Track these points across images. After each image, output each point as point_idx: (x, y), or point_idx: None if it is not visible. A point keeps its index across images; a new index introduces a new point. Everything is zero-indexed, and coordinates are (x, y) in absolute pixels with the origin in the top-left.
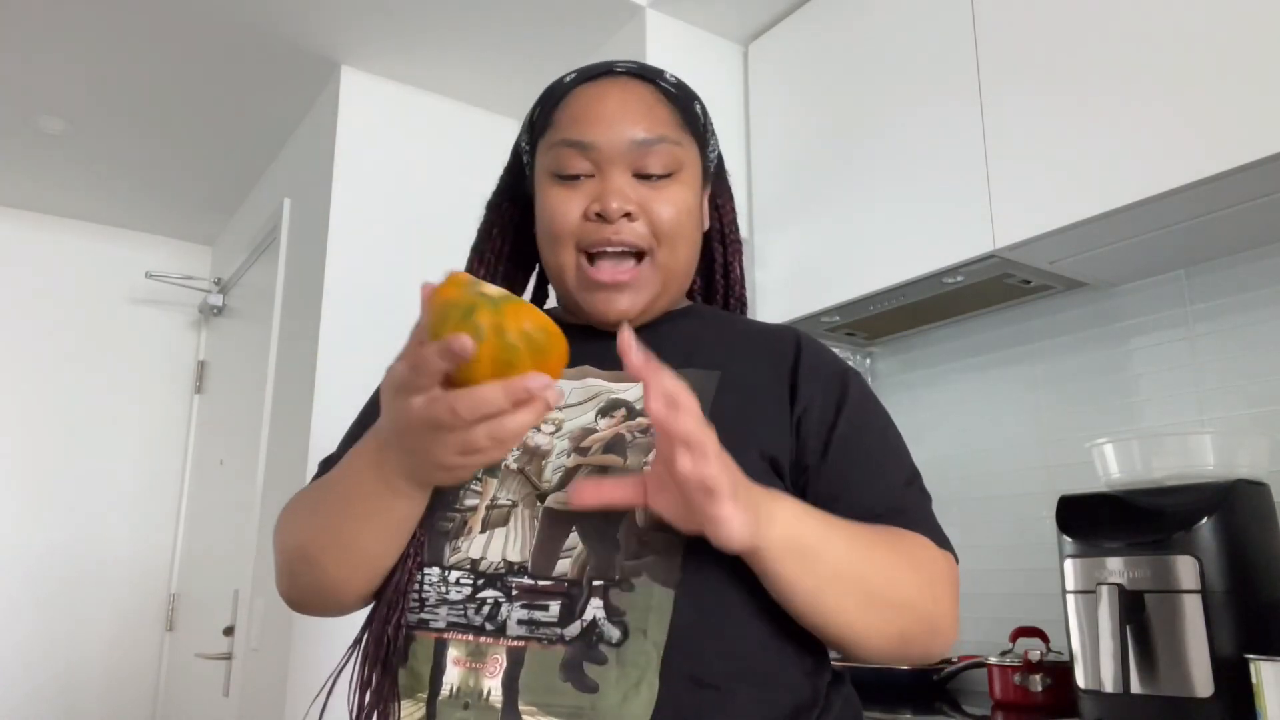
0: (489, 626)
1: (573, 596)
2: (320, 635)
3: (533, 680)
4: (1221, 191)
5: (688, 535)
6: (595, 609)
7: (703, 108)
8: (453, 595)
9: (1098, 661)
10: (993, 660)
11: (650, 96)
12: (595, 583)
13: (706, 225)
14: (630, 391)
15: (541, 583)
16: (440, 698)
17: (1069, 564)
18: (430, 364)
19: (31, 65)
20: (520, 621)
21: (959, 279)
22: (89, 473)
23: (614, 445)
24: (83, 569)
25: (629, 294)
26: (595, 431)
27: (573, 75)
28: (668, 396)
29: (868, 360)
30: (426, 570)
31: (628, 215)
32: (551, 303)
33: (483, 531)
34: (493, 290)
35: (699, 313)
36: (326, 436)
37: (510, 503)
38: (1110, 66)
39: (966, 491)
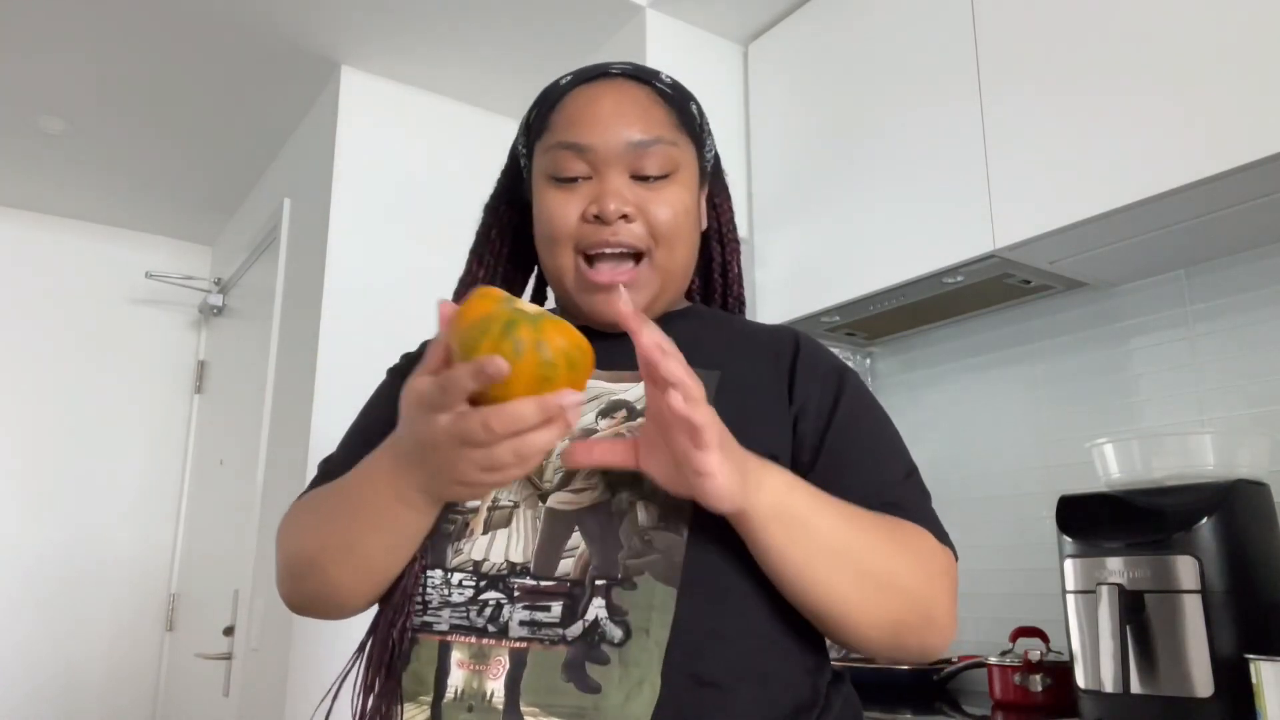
0: (491, 628)
1: (575, 596)
2: (320, 635)
3: (535, 681)
4: (1221, 191)
5: (689, 534)
6: (598, 608)
7: (699, 108)
8: (455, 598)
9: (1098, 661)
10: (993, 660)
11: (646, 98)
12: (598, 582)
13: (704, 225)
14: (630, 392)
15: (544, 583)
16: (445, 700)
17: (1069, 564)
18: (460, 384)
19: (31, 65)
20: (522, 623)
21: (959, 279)
22: (89, 473)
23: None
24: (83, 569)
25: (631, 294)
26: (596, 432)
27: (568, 77)
28: (657, 344)
29: (868, 360)
30: (429, 573)
31: (625, 217)
32: (550, 304)
33: (485, 533)
34: (529, 307)
35: (698, 313)
36: (326, 436)
37: (512, 504)
38: (1110, 67)
39: (966, 491)
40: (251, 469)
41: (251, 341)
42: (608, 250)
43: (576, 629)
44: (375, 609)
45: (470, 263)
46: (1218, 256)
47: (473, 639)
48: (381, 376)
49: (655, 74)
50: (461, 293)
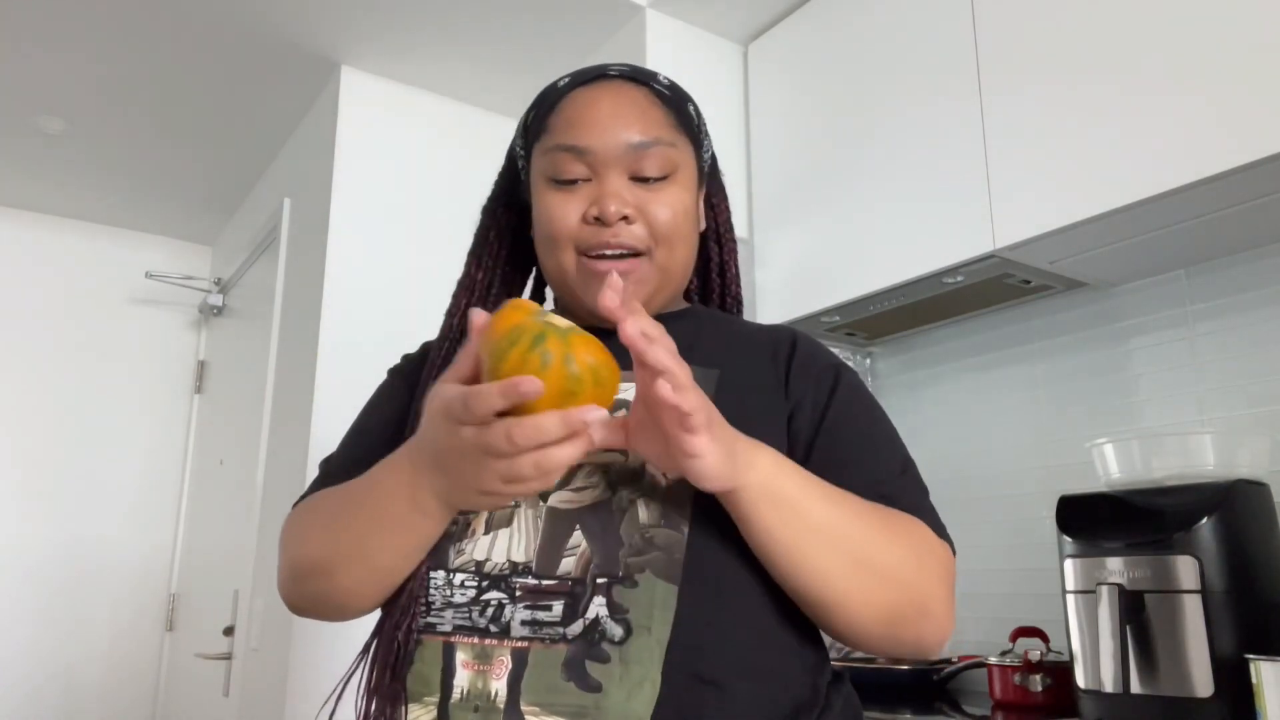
0: (493, 628)
1: (576, 595)
2: (320, 636)
3: (535, 680)
4: (1221, 191)
5: (690, 532)
6: (598, 607)
7: (696, 109)
8: (457, 598)
9: (1098, 661)
10: (993, 660)
11: (644, 99)
12: (599, 580)
13: (703, 226)
14: (631, 391)
15: (545, 582)
16: (451, 701)
17: (1069, 564)
18: (489, 402)
19: (31, 65)
20: (524, 622)
21: (959, 279)
22: (89, 472)
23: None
24: (83, 569)
25: (629, 285)
26: None
27: (566, 79)
28: (643, 330)
29: (868, 360)
30: (432, 574)
31: (626, 218)
32: (549, 305)
33: (486, 533)
34: (560, 320)
35: (696, 314)
36: (326, 436)
37: (513, 503)
38: (1110, 67)
39: (966, 491)
40: (251, 469)
41: (251, 341)
42: (608, 252)
43: (577, 627)
44: (377, 611)
45: (469, 265)
46: (1218, 256)
47: (475, 639)
48: (382, 376)
49: (653, 75)
50: (460, 295)
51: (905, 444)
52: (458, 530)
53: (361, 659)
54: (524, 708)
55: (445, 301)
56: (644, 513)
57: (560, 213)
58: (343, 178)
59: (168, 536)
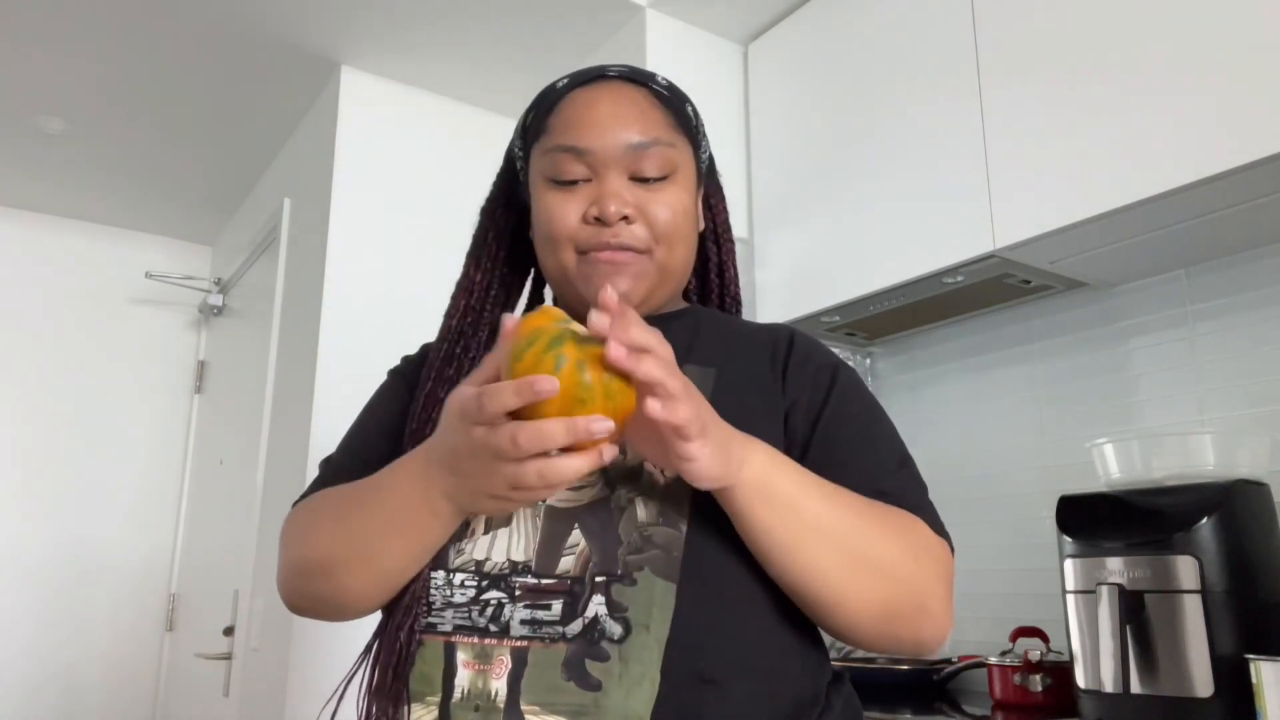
0: (493, 628)
1: (575, 594)
2: (320, 636)
3: (535, 679)
4: (1221, 191)
5: (688, 530)
6: (597, 605)
7: (694, 109)
8: (457, 598)
9: (1098, 661)
10: (993, 660)
11: (643, 100)
12: (598, 579)
13: (701, 226)
14: None
15: (545, 581)
16: (453, 701)
17: (1069, 564)
18: (502, 398)
19: (31, 65)
20: (523, 621)
21: (959, 279)
22: (89, 473)
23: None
24: (83, 569)
25: (629, 276)
26: None
27: (565, 80)
28: (632, 344)
29: (868, 360)
30: (432, 574)
31: (626, 218)
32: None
33: (486, 533)
34: (582, 329)
35: (695, 313)
36: (326, 436)
37: None
38: (1110, 67)
39: (966, 491)
40: (251, 469)
41: (251, 341)
42: (608, 251)
43: (576, 626)
44: (377, 611)
45: (467, 266)
46: (1218, 256)
47: (475, 639)
48: (382, 377)
49: (651, 76)
50: (459, 296)
51: (904, 443)
52: (457, 530)
53: (363, 659)
54: (524, 707)
55: (445, 302)
56: (642, 511)
57: (560, 213)
58: (343, 178)
59: (168, 536)
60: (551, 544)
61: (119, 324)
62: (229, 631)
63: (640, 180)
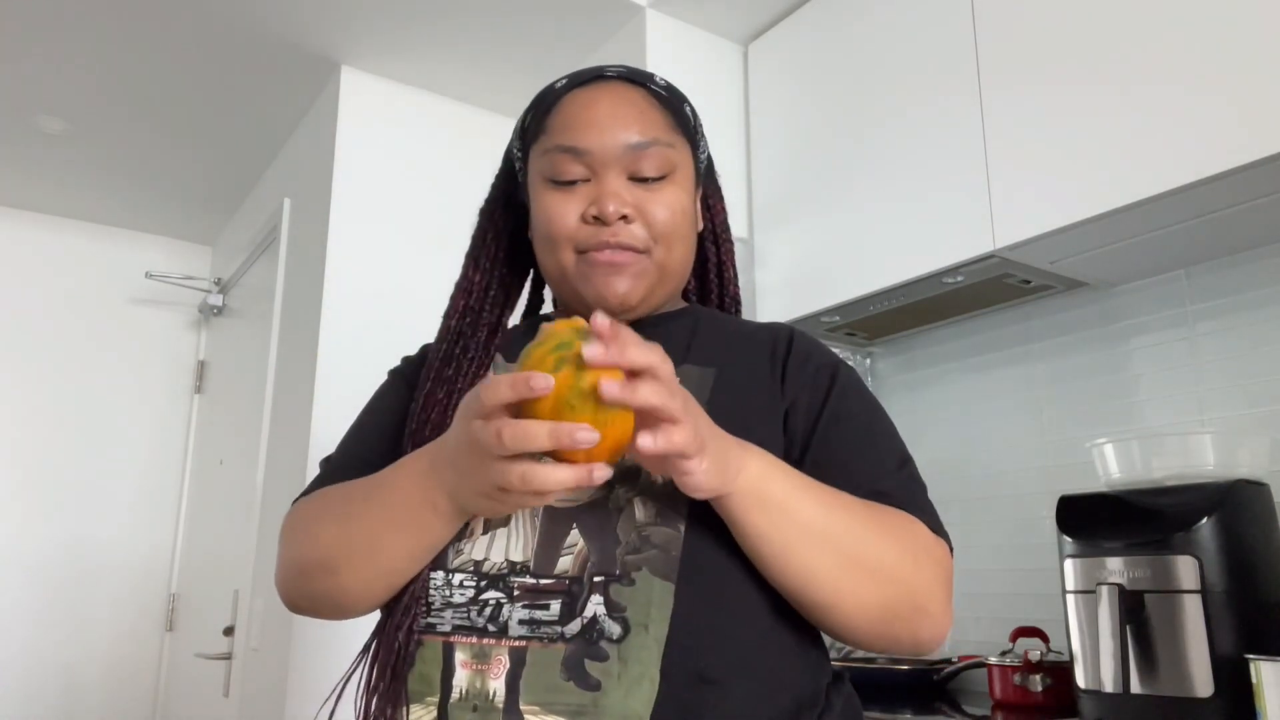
0: (491, 628)
1: (574, 594)
2: (320, 636)
3: (534, 679)
4: (1221, 191)
5: (686, 529)
6: (596, 605)
7: (692, 109)
8: (456, 598)
9: (1098, 661)
10: (993, 660)
11: (642, 100)
12: (596, 579)
13: (700, 226)
14: None
15: (543, 581)
16: (451, 701)
17: (1069, 564)
18: (499, 391)
19: (31, 65)
20: (521, 621)
21: (959, 279)
22: (89, 473)
23: None
24: (83, 569)
25: (628, 276)
26: None
27: (563, 81)
28: (630, 365)
29: (868, 360)
30: (431, 574)
31: (625, 218)
32: (547, 307)
33: (484, 533)
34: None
35: (695, 313)
36: (326, 436)
37: None
38: (1110, 66)
39: (966, 491)
40: (251, 469)
41: (251, 341)
42: (608, 251)
43: (575, 626)
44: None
45: (466, 267)
46: (1218, 256)
47: (474, 639)
48: (382, 377)
49: (650, 76)
50: (458, 297)
51: (904, 443)
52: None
53: (361, 659)
54: (523, 707)
55: (445, 302)
56: (640, 511)
57: (559, 213)
58: (343, 178)
59: (168, 536)
60: (550, 544)
61: (119, 324)
62: (229, 631)
63: (639, 180)
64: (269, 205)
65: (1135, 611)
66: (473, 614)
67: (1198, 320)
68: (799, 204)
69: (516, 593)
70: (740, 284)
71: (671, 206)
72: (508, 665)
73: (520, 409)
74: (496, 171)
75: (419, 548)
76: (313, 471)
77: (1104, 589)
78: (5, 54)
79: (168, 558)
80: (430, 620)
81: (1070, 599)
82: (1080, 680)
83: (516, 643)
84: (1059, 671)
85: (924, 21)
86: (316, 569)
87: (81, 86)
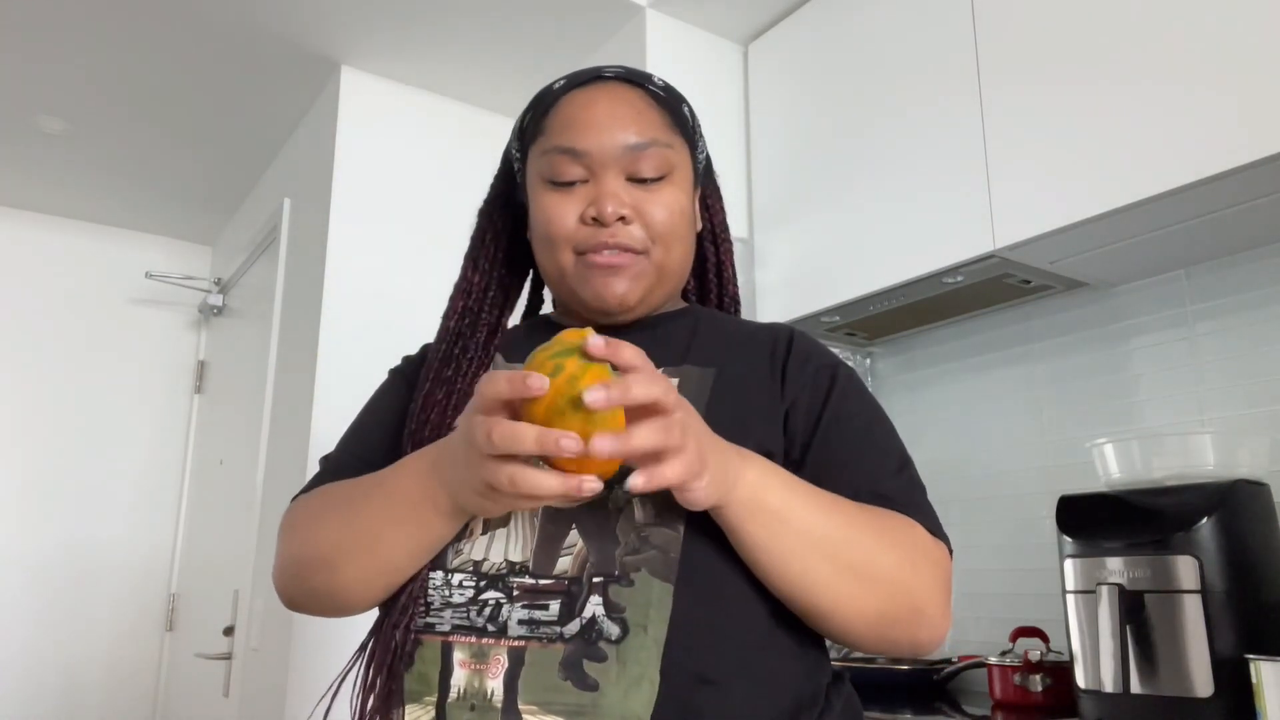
0: (490, 628)
1: (573, 594)
2: (320, 635)
3: (533, 679)
4: (1221, 191)
5: (685, 530)
6: (595, 606)
7: (690, 110)
8: (456, 598)
9: (1098, 661)
10: (993, 660)
11: (640, 101)
12: (595, 579)
13: (699, 226)
14: None
15: (542, 581)
16: (449, 700)
17: (1069, 564)
18: (497, 387)
19: (31, 65)
20: (521, 621)
21: (959, 279)
22: (89, 473)
23: None
24: (83, 569)
25: (627, 277)
26: None
27: (561, 81)
28: (634, 403)
29: (868, 360)
30: (430, 574)
31: (623, 219)
32: (547, 307)
33: (484, 533)
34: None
35: (695, 313)
36: (326, 436)
37: None
38: (1110, 66)
39: (966, 491)
40: (251, 469)
41: (251, 341)
42: (606, 253)
43: (574, 627)
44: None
45: (465, 268)
46: (1218, 256)
47: (473, 639)
48: (382, 377)
49: (648, 77)
50: (457, 298)
51: (904, 443)
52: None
53: (358, 658)
54: (522, 707)
55: (445, 302)
56: (640, 511)
57: (558, 214)
58: (343, 178)
59: (168, 537)
60: (549, 544)
61: (119, 324)
62: (229, 631)
63: (637, 181)
64: (269, 205)
65: (1135, 611)
66: (472, 614)
67: (1198, 320)
68: (799, 204)
69: (516, 593)
70: (740, 284)
71: (670, 207)
72: (506, 665)
73: (520, 410)
74: (495, 172)
75: (419, 545)
76: (312, 471)
77: (1104, 589)
78: (5, 54)
79: (168, 558)
80: (429, 620)
81: (1070, 599)
82: (1080, 680)
83: (515, 643)
84: (1059, 671)
85: (924, 21)
86: (315, 565)
87: (81, 86)
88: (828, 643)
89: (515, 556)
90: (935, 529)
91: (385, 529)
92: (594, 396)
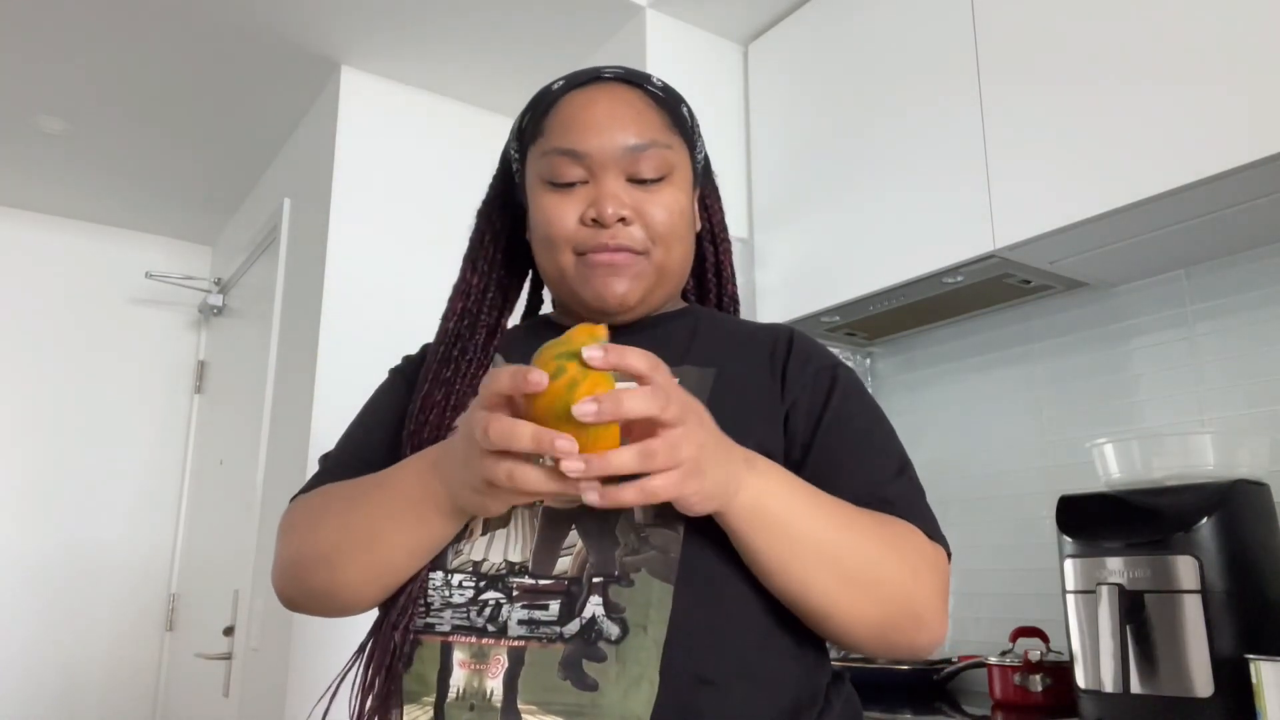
0: (490, 628)
1: (573, 595)
2: (320, 635)
3: (532, 679)
4: (1221, 191)
5: (685, 531)
6: (594, 606)
7: (689, 110)
8: (456, 598)
9: (1098, 661)
10: (993, 660)
11: (639, 101)
12: (595, 580)
13: (698, 226)
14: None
15: (542, 582)
16: (448, 700)
17: (1069, 564)
18: (498, 381)
19: (31, 65)
20: (520, 621)
21: (959, 279)
22: (89, 473)
23: None
24: (83, 569)
25: (627, 277)
26: None
27: (560, 82)
28: (637, 417)
29: (868, 360)
30: (430, 575)
31: (623, 220)
32: (546, 308)
33: (484, 534)
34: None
35: (694, 313)
36: (326, 436)
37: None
38: (1110, 66)
39: (966, 491)
40: (251, 469)
41: (251, 341)
42: (606, 254)
43: (573, 627)
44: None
45: (464, 269)
46: (1218, 256)
47: (473, 639)
48: (382, 376)
49: (647, 77)
50: (456, 299)
51: (904, 444)
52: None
53: (357, 658)
54: (521, 706)
55: (445, 303)
56: (640, 511)
57: (558, 215)
58: (343, 178)
59: (168, 537)
60: (548, 545)
61: (119, 324)
62: (229, 631)
63: (637, 182)
64: (269, 205)
65: (1135, 611)
66: (472, 614)
67: (1198, 320)
68: (799, 204)
69: (515, 593)
70: (740, 284)
71: (670, 208)
72: (506, 665)
73: (523, 407)
74: (494, 173)
75: (418, 545)
76: (312, 470)
77: (1104, 589)
78: (5, 54)
79: (168, 558)
80: (429, 620)
81: (1070, 599)
82: (1080, 680)
83: (515, 643)
84: (1059, 671)
85: (924, 21)
86: (315, 564)
87: (81, 86)
88: (828, 643)
89: (515, 557)
90: (934, 533)
91: (385, 528)
92: (583, 410)
